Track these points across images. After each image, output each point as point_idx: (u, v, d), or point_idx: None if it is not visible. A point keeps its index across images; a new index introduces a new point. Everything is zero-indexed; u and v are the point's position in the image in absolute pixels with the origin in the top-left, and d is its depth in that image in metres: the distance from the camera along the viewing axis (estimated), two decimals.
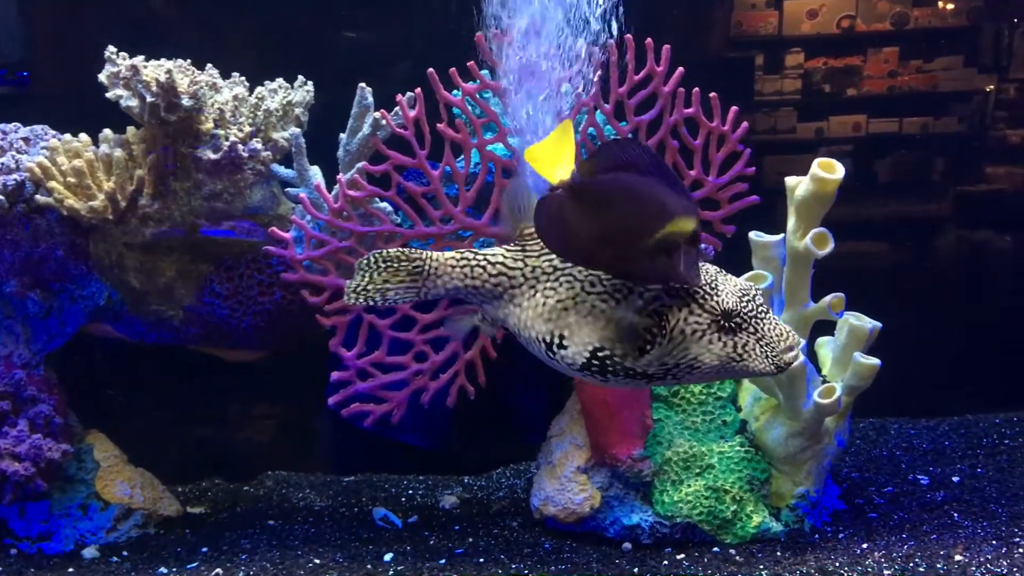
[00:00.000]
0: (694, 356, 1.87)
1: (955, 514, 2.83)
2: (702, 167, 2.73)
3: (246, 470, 3.54)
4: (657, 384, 1.97)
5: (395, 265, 1.97)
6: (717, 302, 1.86)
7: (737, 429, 2.89)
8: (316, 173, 2.82)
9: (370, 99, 2.71)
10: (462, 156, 2.69)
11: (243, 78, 2.90)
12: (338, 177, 2.65)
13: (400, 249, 2.00)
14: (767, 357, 1.88)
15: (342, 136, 2.76)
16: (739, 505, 2.75)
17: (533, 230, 1.95)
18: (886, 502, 2.96)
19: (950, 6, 3.59)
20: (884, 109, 3.68)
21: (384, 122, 2.68)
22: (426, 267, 1.99)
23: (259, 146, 2.75)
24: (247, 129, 2.75)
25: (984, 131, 3.68)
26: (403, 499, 3.34)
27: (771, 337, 1.88)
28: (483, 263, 1.99)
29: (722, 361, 1.87)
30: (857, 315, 2.78)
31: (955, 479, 3.09)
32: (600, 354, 1.89)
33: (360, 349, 2.72)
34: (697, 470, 2.79)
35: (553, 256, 1.95)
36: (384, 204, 2.74)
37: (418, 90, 2.62)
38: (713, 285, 1.88)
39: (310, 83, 2.94)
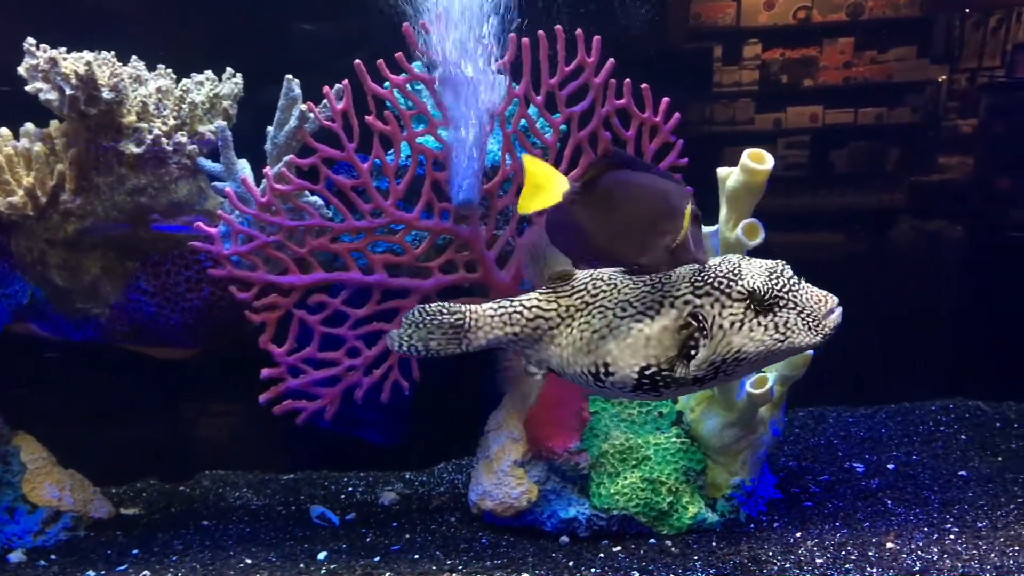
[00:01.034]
0: (738, 348, 1.85)
1: (888, 501, 2.86)
2: None
3: (182, 470, 3.48)
4: (710, 387, 1.96)
5: (438, 319, 2.01)
6: (743, 286, 1.85)
7: (673, 420, 2.89)
8: (244, 167, 2.76)
9: (297, 91, 2.66)
10: (392, 149, 2.66)
11: (169, 70, 2.83)
12: (265, 171, 2.59)
13: (442, 304, 2.04)
14: (810, 328, 1.85)
15: (269, 129, 2.71)
16: (675, 496, 2.75)
17: (559, 274, 2.03)
18: (822, 490, 2.98)
19: None
20: (840, 100, 3.69)
21: (311, 115, 2.64)
22: (467, 320, 2.03)
23: (184, 139, 2.69)
24: (171, 122, 2.69)
25: (936, 121, 3.71)
26: (343, 496, 3.30)
27: (810, 306, 1.85)
28: (519, 309, 2.02)
29: (767, 345, 1.84)
30: None
31: (890, 466, 3.12)
32: (648, 372, 1.89)
33: (291, 345, 2.68)
34: (633, 462, 2.79)
35: (583, 292, 1.99)
36: (315, 198, 2.70)
37: (345, 82, 2.57)
38: (736, 272, 1.87)
39: (239, 75, 2.88)
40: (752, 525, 2.77)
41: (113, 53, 2.69)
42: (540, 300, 2.02)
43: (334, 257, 2.74)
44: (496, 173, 2.74)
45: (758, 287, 1.84)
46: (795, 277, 1.88)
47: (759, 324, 1.85)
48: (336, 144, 2.60)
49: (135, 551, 2.84)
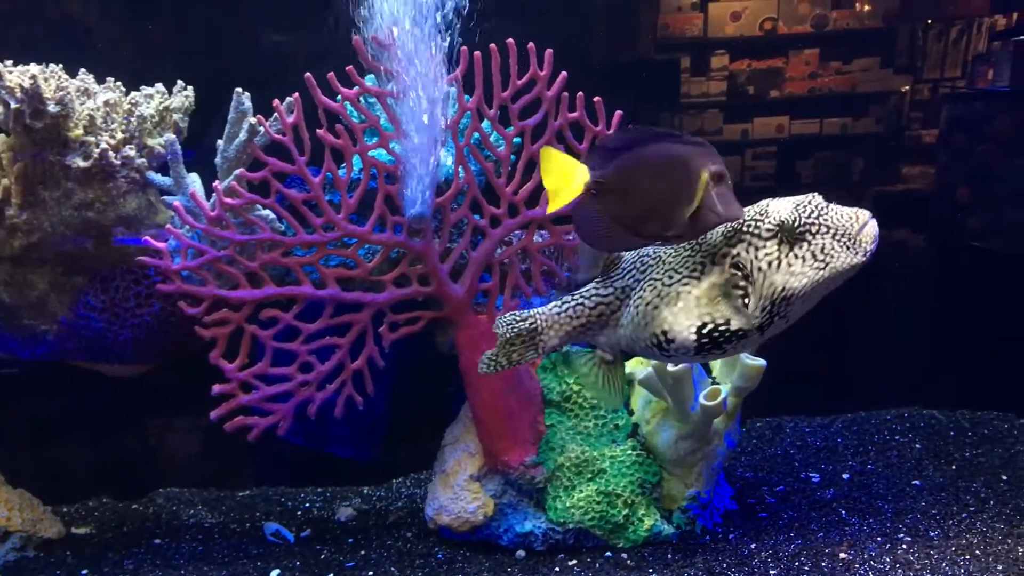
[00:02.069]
0: (782, 286, 1.84)
1: (843, 511, 2.87)
2: None
3: (136, 488, 3.43)
4: (769, 333, 1.94)
5: (515, 328, 2.09)
6: (770, 222, 1.85)
7: (629, 433, 2.89)
8: (194, 180, 2.74)
9: (247, 104, 2.64)
10: (344, 163, 2.64)
11: (119, 83, 2.80)
12: (214, 185, 2.57)
13: (513, 313, 2.11)
14: (848, 248, 1.83)
15: (219, 143, 2.68)
16: (631, 509, 2.75)
17: (609, 260, 2.09)
18: (777, 501, 2.99)
19: (867, 8, 3.64)
20: (806, 110, 3.72)
21: (261, 128, 2.62)
22: (539, 324, 2.10)
23: (132, 153, 2.66)
24: (119, 136, 2.66)
25: (900, 131, 3.75)
26: (299, 512, 3.26)
27: (842, 226, 1.83)
28: (581, 301, 2.09)
29: (810, 277, 1.83)
30: None
31: (845, 476, 3.14)
32: (705, 331, 1.90)
33: (242, 361, 2.65)
34: (589, 475, 2.78)
35: (633, 270, 2.04)
36: (267, 212, 2.67)
37: (296, 95, 2.56)
38: (763, 212, 1.88)
39: (190, 88, 2.85)
40: (708, 537, 2.78)
41: (83, 70, 2.68)
42: (598, 288, 2.09)
43: (286, 272, 2.71)
44: (450, 186, 2.73)
45: (784, 219, 1.84)
46: (824, 203, 1.87)
47: (796, 257, 1.84)
48: (287, 158, 2.58)
49: (84, 571, 2.80)
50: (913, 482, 3.05)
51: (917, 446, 3.35)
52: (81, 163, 2.60)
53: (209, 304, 2.60)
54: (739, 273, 1.88)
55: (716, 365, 2.94)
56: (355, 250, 2.70)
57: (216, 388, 2.63)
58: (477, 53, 2.58)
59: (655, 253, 2.01)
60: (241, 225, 2.63)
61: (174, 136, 2.71)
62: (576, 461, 2.79)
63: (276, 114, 2.57)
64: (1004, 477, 3.04)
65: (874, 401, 3.73)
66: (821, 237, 1.84)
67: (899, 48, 3.73)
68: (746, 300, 1.87)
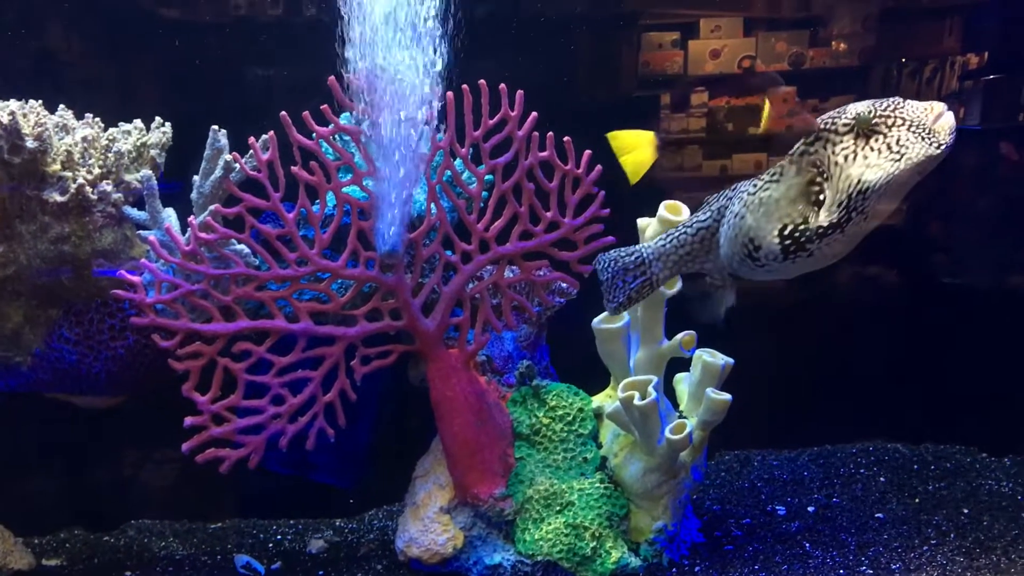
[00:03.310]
0: (858, 178, 1.87)
1: (807, 544, 2.92)
2: (558, 209, 2.79)
3: (108, 519, 3.43)
4: (852, 233, 1.97)
5: (621, 263, 2.21)
6: (847, 117, 1.90)
7: (597, 466, 2.93)
8: (169, 215, 2.78)
9: (223, 141, 2.69)
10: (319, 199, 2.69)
11: (97, 119, 2.85)
12: (189, 220, 2.61)
13: (619, 250, 2.25)
14: (923, 138, 1.85)
15: (195, 178, 2.73)
16: (598, 541, 2.79)
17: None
18: (743, 534, 3.03)
19: (843, 47, 3.73)
20: (784, 147, 3.78)
21: (237, 165, 2.67)
22: (645, 255, 2.20)
23: (109, 188, 2.70)
24: (96, 171, 2.70)
25: None
26: (271, 544, 3.27)
27: (917, 118, 1.86)
28: (683, 230, 2.19)
29: (886, 169, 1.86)
30: (711, 351, 2.86)
31: (810, 509, 3.19)
32: (787, 232, 1.96)
33: (215, 394, 2.67)
34: (558, 508, 2.82)
35: (727, 190, 2.14)
36: (241, 247, 2.71)
37: (271, 133, 2.61)
38: (840, 111, 1.94)
39: (167, 124, 2.90)
40: (674, 569, 2.81)
41: (62, 106, 2.73)
42: (697, 215, 2.18)
43: (260, 305, 2.75)
44: (422, 223, 2.78)
45: (860, 111, 1.89)
46: (900, 100, 1.91)
47: (872, 150, 1.89)
48: (262, 194, 2.63)
49: None
50: (876, 515, 3.10)
51: (882, 479, 3.41)
52: (58, 198, 2.63)
53: (183, 337, 2.63)
54: (816, 170, 1.92)
55: (683, 399, 2.99)
56: (328, 285, 2.75)
57: (188, 420, 2.66)
58: (450, 93, 2.65)
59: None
60: (216, 259, 2.66)
61: (150, 172, 2.75)
62: (545, 494, 2.83)
63: (252, 151, 2.62)
64: (965, 510, 3.10)
65: (841, 435, 3.78)
66: (897, 129, 1.87)
67: (873, 85, 3.82)
68: (821, 197, 1.91)
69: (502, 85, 2.70)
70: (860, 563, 2.76)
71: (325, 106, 2.59)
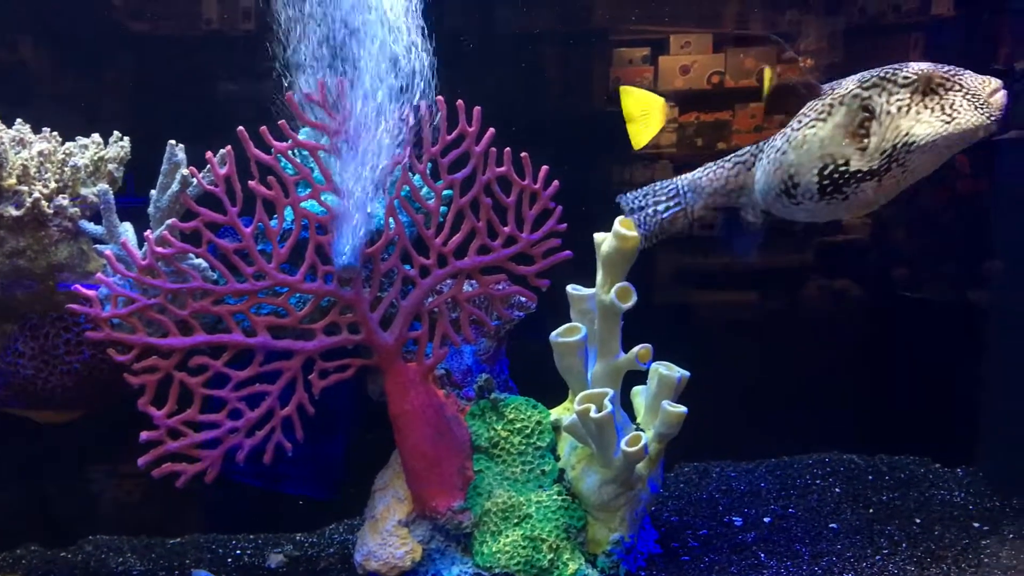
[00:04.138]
0: (907, 131, 1.91)
1: (762, 554, 2.96)
2: (516, 224, 2.81)
3: (65, 535, 3.40)
4: (889, 183, 1.98)
5: (656, 190, 2.23)
6: (910, 71, 1.93)
7: (555, 478, 2.95)
8: (127, 229, 2.77)
9: (180, 156, 2.70)
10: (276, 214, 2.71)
11: (55, 133, 2.85)
12: (146, 234, 2.61)
13: (655, 184, 2.27)
14: (976, 107, 1.89)
15: (152, 192, 2.73)
16: (556, 553, 2.81)
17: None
18: (700, 545, 3.07)
19: (810, 63, 3.79)
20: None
21: (194, 179, 2.67)
22: (679, 186, 2.23)
23: (65, 203, 2.70)
24: (52, 185, 2.69)
25: None
26: (229, 560, 3.26)
27: (974, 87, 1.90)
28: (721, 164, 2.22)
29: (935, 128, 1.89)
30: (667, 365, 2.90)
31: (766, 519, 3.23)
32: (826, 171, 1.98)
33: (171, 408, 2.67)
34: (515, 520, 2.84)
35: (775, 135, 2.13)
36: (199, 261, 2.72)
37: (228, 148, 2.62)
38: (901, 65, 1.96)
39: (126, 139, 2.90)
40: None
41: (19, 120, 2.73)
42: (735, 153, 2.20)
43: (218, 320, 2.75)
44: (381, 237, 2.80)
45: (923, 69, 1.92)
46: (961, 69, 1.95)
47: (925, 107, 1.93)
48: (220, 208, 2.63)
49: None
50: (831, 525, 3.15)
51: (837, 490, 3.46)
52: (13, 212, 2.63)
53: (139, 351, 2.62)
54: (867, 114, 1.94)
55: (640, 411, 3.03)
56: (286, 299, 2.76)
57: (144, 435, 2.65)
58: (407, 110, 2.67)
59: None
60: (173, 274, 2.66)
61: (107, 186, 2.75)
62: (503, 506, 2.85)
63: (209, 166, 2.63)
64: (918, 520, 3.15)
65: (797, 446, 3.84)
66: (953, 94, 1.92)
67: None
68: (866, 140, 1.94)
69: (459, 101, 2.73)
70: (814, 573, 2.80)
71: (282, 122, 2.60)
